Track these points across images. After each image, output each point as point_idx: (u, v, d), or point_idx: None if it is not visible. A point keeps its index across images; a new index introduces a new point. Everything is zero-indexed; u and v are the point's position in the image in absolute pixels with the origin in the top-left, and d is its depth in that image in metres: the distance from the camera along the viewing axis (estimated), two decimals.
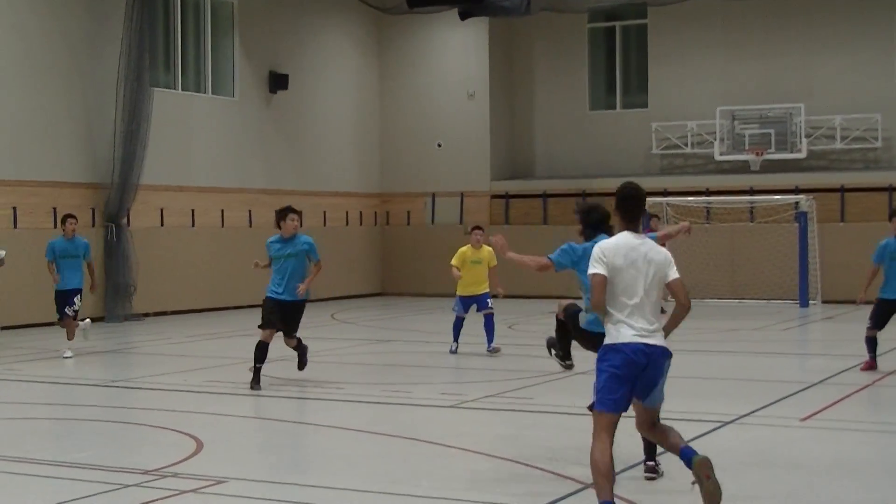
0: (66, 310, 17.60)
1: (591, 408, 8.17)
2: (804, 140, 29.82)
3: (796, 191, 28.84)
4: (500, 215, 32.48)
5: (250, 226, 28.72)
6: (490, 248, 17.77)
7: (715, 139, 30.61)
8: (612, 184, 29.85)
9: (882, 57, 30.10)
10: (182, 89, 27.52)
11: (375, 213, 33.54)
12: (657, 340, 7.82)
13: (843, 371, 15.50)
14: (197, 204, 27.36)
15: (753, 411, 12.36)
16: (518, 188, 32.66)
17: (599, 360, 7.86)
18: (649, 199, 28.88)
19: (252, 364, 14.31)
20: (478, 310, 17.99)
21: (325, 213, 31.36)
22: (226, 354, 18.43)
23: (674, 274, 7.96)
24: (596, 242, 8.28)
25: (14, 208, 23.29)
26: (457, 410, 12.88)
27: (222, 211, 28.09)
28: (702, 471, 7.78)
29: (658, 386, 7.98)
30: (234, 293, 27.63)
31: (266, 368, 16.06)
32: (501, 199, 32.56)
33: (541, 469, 9.61)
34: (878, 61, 30.11)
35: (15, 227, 23.30)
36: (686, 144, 31.35)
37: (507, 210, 32.38)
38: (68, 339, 17.75)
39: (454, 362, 17.85)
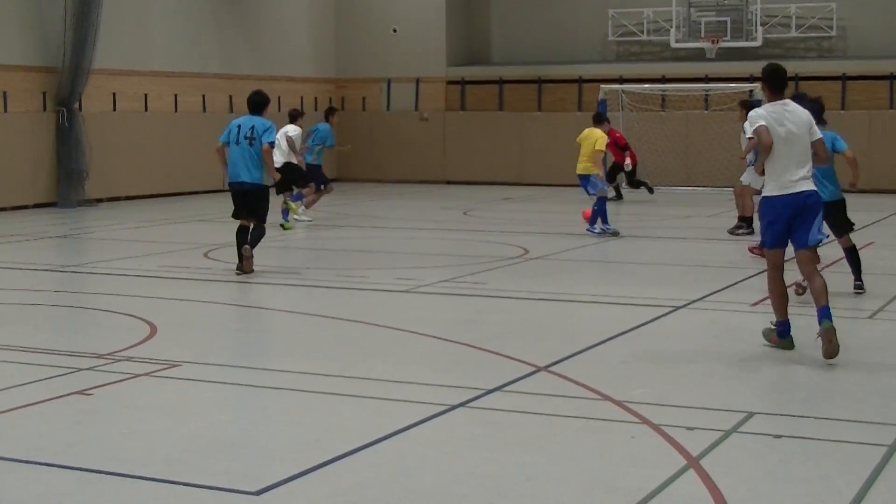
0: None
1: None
2: (759, 28, 29.75)
3: (751, 79, 28.78)
4: (456, 102, 32.32)
5: (204, 111, 28.44)
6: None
7: (671, 26, 30.47)
8: (569, 70, 29.78)
9: None
10: None
11: (331, 98, 33.23)
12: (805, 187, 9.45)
13: (792, 258, 15.65)
14: (150, 88, 27.03)
15: (705, 296, 12.50)
16: (474, 74, 32.46)
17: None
18: (605, 86, 28.85)
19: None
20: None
21: (279, 97, 30.99)
22: (179, 240, 18.37)
23: (816, 134, 9.60)
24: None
25: None
26: (411, 295, 12.93)
27: (176, 96, 27.77)
28: (825, 336, 9.12)
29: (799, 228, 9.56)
30: (187, 179, 27.46)
31: (220, 254, 16.09)
32: (457, 85, 32.36)
33: (493, 352, 9.70)
34: None
35: None
36: (642, 31, 31.19)
37: (462, 96, 32.22)
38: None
39: (409, 247, 17.90)
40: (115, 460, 6.74)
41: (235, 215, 14.24)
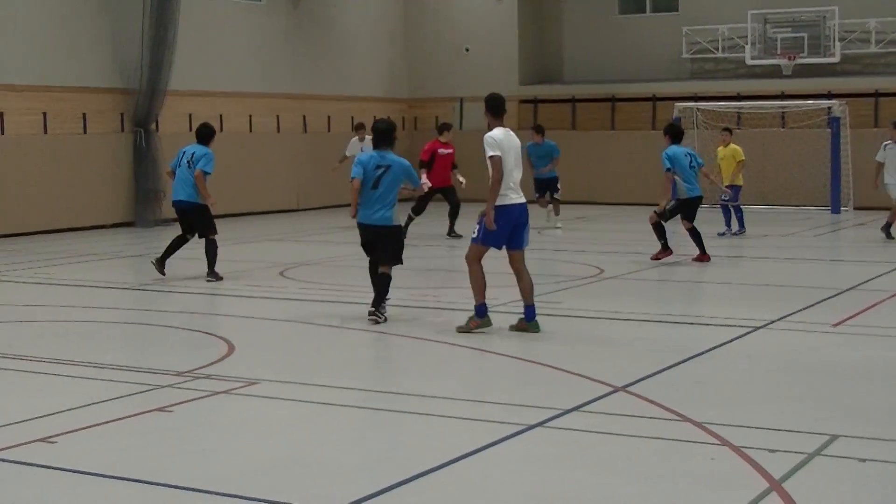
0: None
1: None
2: (837, 44, 29.40)
3: (829, 96, 28.48)
4: (529, 120, 32.22)
5: (278, 131, 28.67)
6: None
7: (746, 43, 30.22)
8: (642, 88, 29.71)
9: None
10: None
11: (403, 117, 33.38)
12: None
13: (874, 277, 15.46)
14: (224, 109, 27.28)
15: (784, 317, 12.35)
16: (546, 93, 32.42)
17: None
18: (679, 104, 28.66)
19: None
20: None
21: (352, 118, 31.22)
22: (254, 258, 18.49)
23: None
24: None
25: (44, 114, 23.29)
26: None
27: (250, 116, 28.02)
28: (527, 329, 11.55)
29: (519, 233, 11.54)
30: (262, 198, 27.66)
31: (296, 273, 16.19)
32: (530, 104, 32.35)
33: (570, 372, 9.64)
34: None
35: (45, 132, 23.32)
36: (717, 49, 30.98)
37: (535, 115, 32.16)
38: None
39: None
40: (193, 477, 6.77)
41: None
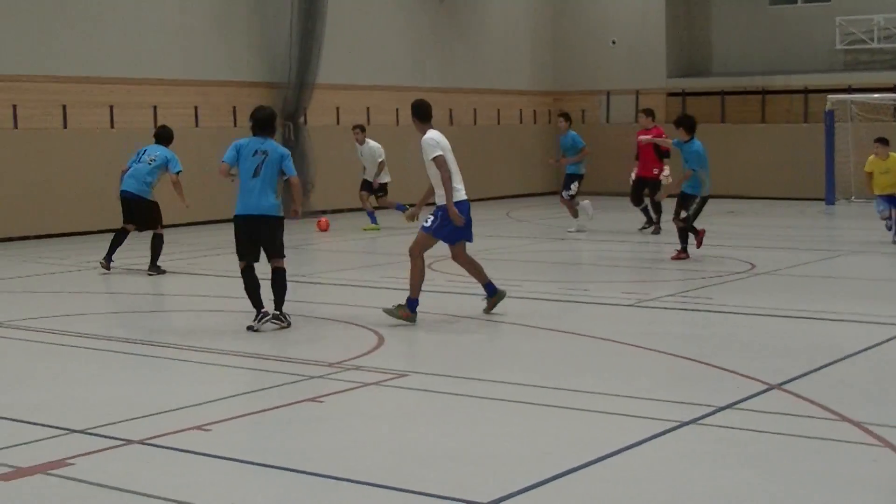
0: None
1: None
2: None
3: None
4: (677, 114, 31.78)
5: None
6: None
7: None
8: (794, 81, 28.89)
9: None
10: None
11: (549, 111, 33.26)
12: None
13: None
14: (372, 102, 27.52)
15: None
16: (695, 86, 31.96)
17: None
18: (832, 97, 27.96)
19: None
20: None
21: (499, 111, 31.23)
22: (401, 251, 18.53)
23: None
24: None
25: (195, 107, 23.77)
26: (636, 309, 12.75)
27: (397, 109, 28.19)
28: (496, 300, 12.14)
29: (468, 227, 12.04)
30: (409, 191, 27.78)
31: (443, 266, 16.22)
32: (678, 96, 31.93)
33: (722, 369, 9.46)
34: None
35: (196, 125, 23.81)
36: (872, 39, 30.16)
37: (683, 108, 31.72)
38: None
39: (633, 261, 17.69)
40: (345, 467, 6.80)
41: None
